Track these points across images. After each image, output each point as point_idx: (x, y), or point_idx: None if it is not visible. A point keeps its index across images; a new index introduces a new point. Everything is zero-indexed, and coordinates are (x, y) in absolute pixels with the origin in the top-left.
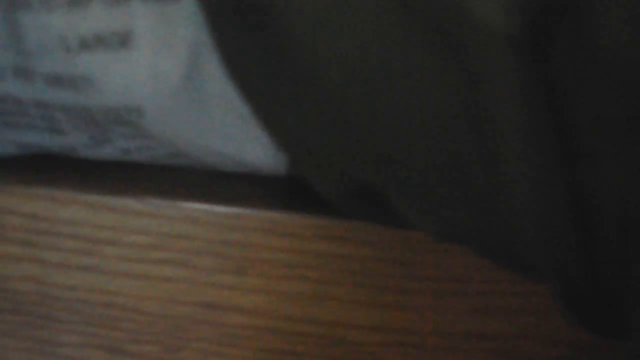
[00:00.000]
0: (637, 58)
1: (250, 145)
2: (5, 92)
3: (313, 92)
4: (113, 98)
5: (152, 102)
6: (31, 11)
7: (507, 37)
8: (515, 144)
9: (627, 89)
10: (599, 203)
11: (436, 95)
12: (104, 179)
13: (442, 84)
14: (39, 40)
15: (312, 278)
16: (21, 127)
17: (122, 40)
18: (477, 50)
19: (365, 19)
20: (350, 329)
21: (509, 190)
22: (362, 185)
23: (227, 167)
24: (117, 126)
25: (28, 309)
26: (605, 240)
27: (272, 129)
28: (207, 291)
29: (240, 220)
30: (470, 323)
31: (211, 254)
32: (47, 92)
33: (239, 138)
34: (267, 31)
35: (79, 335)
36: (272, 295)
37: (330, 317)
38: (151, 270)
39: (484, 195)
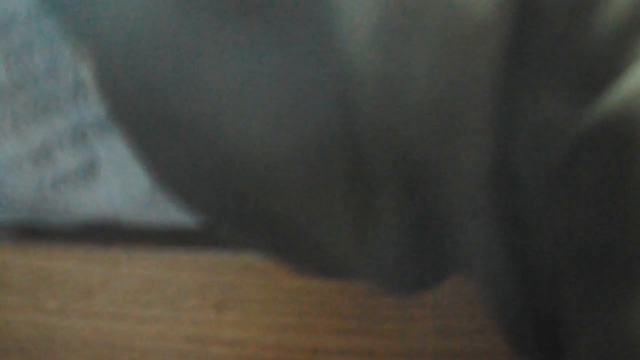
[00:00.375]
0: None
1: None
2: None
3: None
4: (92, 212)
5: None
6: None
7: None
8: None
9: None
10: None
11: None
12: (92, 234)
13: None
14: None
15: (286, 311)
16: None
17: (89, 173)
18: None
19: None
20: (324, 354)
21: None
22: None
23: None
24: None
25: (32, 352)
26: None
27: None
28: (190, 327)
29: (217, 263)
30: (431, 343)
31: (192, 293)
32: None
33: None
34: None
35: None
36: (251, 328)
37: (305, 344)
38: (139, 312)
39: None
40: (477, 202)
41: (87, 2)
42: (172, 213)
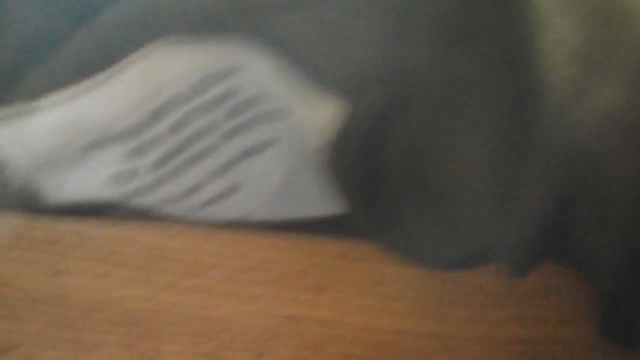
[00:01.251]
0: None
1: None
2: None
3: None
4: (229, 216)
5: (259, 208)
6: None
7: None
8: None
9: None
10: None
11: None
12: None
13: None
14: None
15: (379, 294)
16: None
17: (233, 190)
18: None
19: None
20: (408, 335)
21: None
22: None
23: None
24: None
25: (139, 323)
26: None
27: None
28: (291, 306)
29: (319, 247)
30: (506, 330)
31: (294, 274)
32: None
33: (322, 203)
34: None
35: (182, 345)
36: (343, 309)
37: (390, 326)
38: (246, 290)
39: None
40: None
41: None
42: (299, 210)
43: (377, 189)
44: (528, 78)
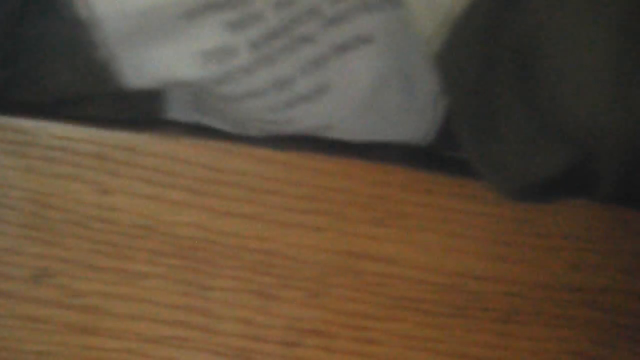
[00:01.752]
0: None
1: (408, 130)
2: None
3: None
4: (309, 124)
5: (341, 118)
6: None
7: None
8: None
9: None
10: None
11: None
12: (273, 139)
13: None
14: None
15: (443, 231)
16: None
17: (321, 92)
18: None
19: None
20: (469, 278)
21: None
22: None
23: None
24: None
25: (189, 254)
26: None
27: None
28: (351, 241)
29: (384, 176)
30: (566, 277)
31: (357, 205)
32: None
33: (403, 125)
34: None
35: (233, 280)
36: (404, 246)
37: (453, 268)
38: (305, 220)
39: None
40: None
41: None
42: (379, 130)
43: (488, 86)
44: None
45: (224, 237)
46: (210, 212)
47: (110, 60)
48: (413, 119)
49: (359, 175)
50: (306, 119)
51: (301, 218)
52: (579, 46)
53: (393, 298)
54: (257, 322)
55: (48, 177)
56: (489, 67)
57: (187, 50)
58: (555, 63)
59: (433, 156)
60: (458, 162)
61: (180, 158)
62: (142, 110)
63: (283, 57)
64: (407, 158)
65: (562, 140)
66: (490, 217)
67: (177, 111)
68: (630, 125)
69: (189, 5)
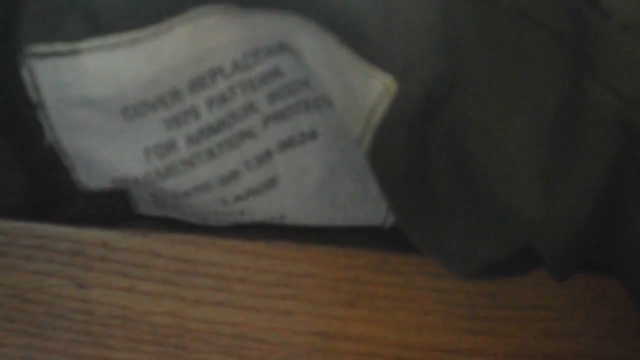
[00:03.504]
0: None
1: (366, 215)
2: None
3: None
4: (263, 215)
5: (294, 209)
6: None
7: None
8: None
9: None
10: None
11: None
12: (237, 227)
13: None
14: (200, 205)
15: (413, 309)
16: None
17: (270, 185)
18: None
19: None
20: (442, 352)
21: None
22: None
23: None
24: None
25: (166, 341)
26: None
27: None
28: (322, 322)
29: (351, 260)
30: (540, 345)
31: (325, 289)
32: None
33: (359, 211)
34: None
35: None
36: (376, 325)
37: (426, 343)
38: (275, 305)
39: None
40: None
41: None
42: (335, 217)
43: (422, 180)
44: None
45: (197, 323)
46: (183, 301)
47: (59, 152)
48: (370, 205)
49: (326, 260)
50: (259, 210)
51: (271, 303)
52: (507, 141)
53: None
54: None
55: (28, 274)
56: (420, 167)
57: (130, 148)
58: (485, 158)
59: (398, 236)
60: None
61: (151, 251)
62: (110, 210)
63: (225, 151)
64: (373, 240)
65: (503, 230)
66: (458, 293)
67: (144, 208)
68: (560, 219)
69: (124, 102)
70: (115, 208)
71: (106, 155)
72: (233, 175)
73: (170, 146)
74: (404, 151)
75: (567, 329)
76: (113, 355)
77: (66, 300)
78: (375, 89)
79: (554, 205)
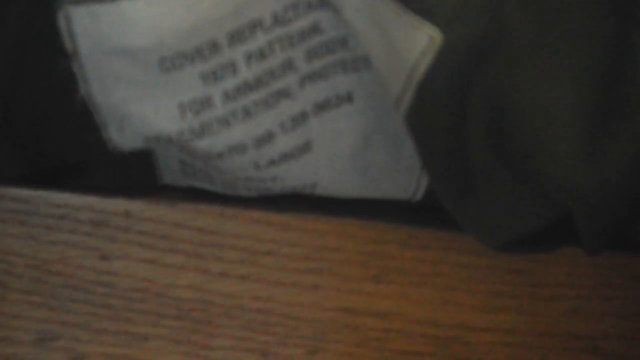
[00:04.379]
0: None
1: (396, 188)
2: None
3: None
4: (294, 182)
5: (326, 177)
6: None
7: None
8: None
9: None
10: None
11: None
12: (265, 199)
13: None
14: (232, 169)
15: (439, 285)
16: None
17: (304, 149)
18: None
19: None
20: (468, 330)
21: None
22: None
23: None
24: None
25: (188, 315)
26: None
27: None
28: (348, 298)
29: (380, 234)
30: (566, 324)
31: (353, 263)
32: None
33: (390, 183)
34: None
35: (233, 340)
36: (403, 301)
37: (452, 320)
38: (301, 279)
39: None
40: None
41: None
42: (366, 188)
43: (460, 143)
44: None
45: (221, 298)
46: (207, 274)
47: (92, 107)
48: (400, 177)
49: (353, 234)
50: (291, 177)
51: (297, 277)
52: (548, 104)
53: (393, 352)
54: None
55: (48, 244)
56: (459, 128)
57: (165, 103)
58: (525, 122)
59: (426, 211)
60: (452, 216)
61: (176, 222)
62: (136, 177)
63: (261, 111)
64: (401, 214)
65: (541, 197)
66: (486, 269)
67: (170, 178)
68: (603, 186)
69: (162, 53)
70: (141, 174)
71: (140, 110)
72: (268, 137)
73: (206, 102)
74: (444, 110)
75: (594, 309)
76: (133, 329)
77: (87, 272)
78: (420, 41)
79: (597, 169)
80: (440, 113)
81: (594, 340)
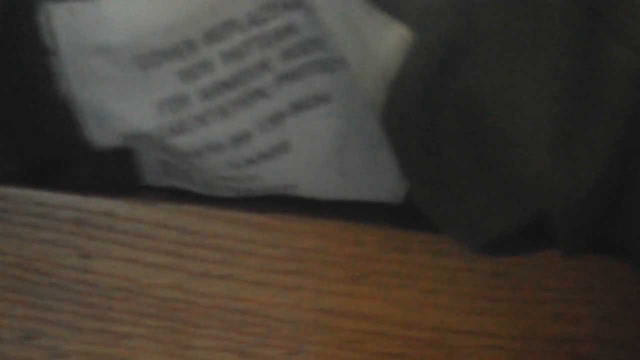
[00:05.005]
0: None
1: (375, 190)
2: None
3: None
4: (273, 182)
5: (305, 178)
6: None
7: None
8: None
9: None
10: None
11: None
12: (246, 200)
13: None
14: (211, 169)
15: (420, 287)
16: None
17: (281, 149)
18: None
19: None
20: (449, 333)
21: None
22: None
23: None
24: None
25: (169, 314)
26: None
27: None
28: (328, 299)
29: (360, 235)
30: (547, 328)
31: (334, 265)
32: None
33: (369, 185)
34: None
35: (213, 340)
36: (383, 303)
37: (432, 323)
38: (282, 280)
39: None
40: None
41: None
42: (345, 190)
43: (434, 143)
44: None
45: (202, 298)
46: (188, 274)
47: (71, 104)
48: (379, 178)
49: (333, 235)
50: (270, 177)
51: (277, 278)
52: (520, 104)
53: (373, 354)
54: None
55: (31, 243)
56: (433, 128)
57: (143, 101)
58: (497, 123)
59: (408, 213)
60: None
61: (157, 222)
62: (117, 176)
63: (238, 110)
64: (381, 216)
65: (515, 198)
66: (467, 272)
67: (152, 178)
68: (575, 182)
69: (139, 51)
70: (122, 174)
71: (118, 107)
72: (245, 136)
73: (183, 100)
74: (417, 109)
75: (575, 312)
76: (115, 328)
77: (69, 271)
78: (391, 40)
79: (569, 168)
80: (414, 113)
81: (575, 344)
